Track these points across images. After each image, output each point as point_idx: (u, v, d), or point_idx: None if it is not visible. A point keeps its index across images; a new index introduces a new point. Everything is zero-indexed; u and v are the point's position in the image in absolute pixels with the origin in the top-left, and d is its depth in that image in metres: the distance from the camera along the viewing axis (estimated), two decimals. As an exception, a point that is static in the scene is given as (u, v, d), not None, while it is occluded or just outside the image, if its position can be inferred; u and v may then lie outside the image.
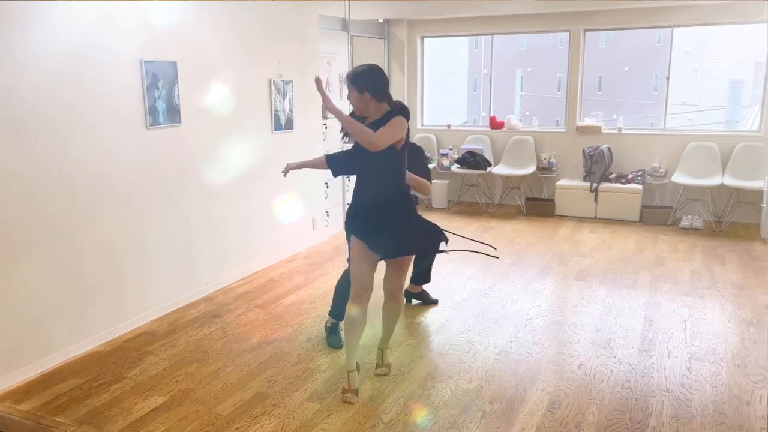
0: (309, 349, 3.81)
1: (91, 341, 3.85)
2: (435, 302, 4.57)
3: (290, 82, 5.54)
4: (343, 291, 3.70)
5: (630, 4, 6.79)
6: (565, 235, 6.53)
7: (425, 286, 4.61)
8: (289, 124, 5.60)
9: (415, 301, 4.59)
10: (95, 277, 3.85)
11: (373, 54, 8.16)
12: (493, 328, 4.11)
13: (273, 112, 5.37)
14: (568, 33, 7.43)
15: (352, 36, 7.28)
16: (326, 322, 3.99)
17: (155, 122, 4.16)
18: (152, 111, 4.12)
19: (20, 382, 3.42)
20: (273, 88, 5.33)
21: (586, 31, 7.41)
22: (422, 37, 8.23)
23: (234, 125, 4.94)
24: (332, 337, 3.88)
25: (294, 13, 5.59)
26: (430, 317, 4.31)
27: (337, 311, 3.87)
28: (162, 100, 4.19)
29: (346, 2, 7.10)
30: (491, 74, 9.25)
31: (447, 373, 3.50)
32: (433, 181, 7.89)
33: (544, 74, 29.53)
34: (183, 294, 4.57)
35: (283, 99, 5.49)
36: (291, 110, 5.59)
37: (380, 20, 7.98)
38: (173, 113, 4.30)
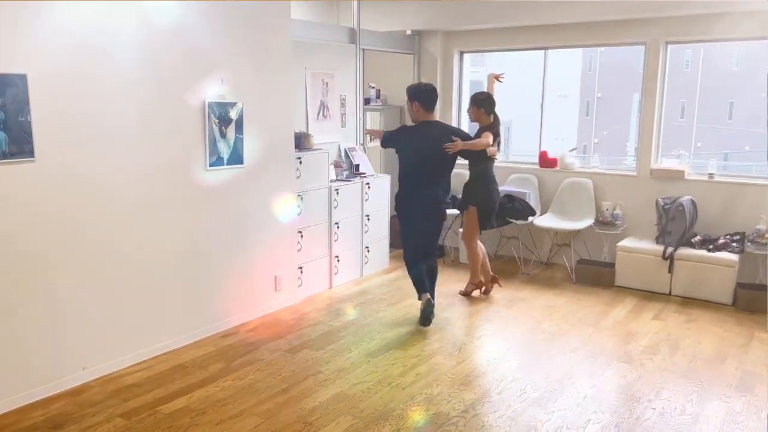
0: None
1: None
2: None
3: (236, 104, 4.29)
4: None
5: (730, 6, 4.95)
6: (617, 319, 4.74)
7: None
8: (236, 159, 4.35)
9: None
10: None
11: (398, 72, 6.77)
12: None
13: (207, 143, 4.14)
14: (643, 46, 5.66)
15: (363, 50, 5.96)
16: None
17: (-17, 156, 3.04)
18: (-21, 141, 3.02)
19: None
20: (208, 111, 4.11)
21: (668, 43, 5.59)
22: (461, 53, 6.74)
23: (136, 160, 3.74)
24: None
25: (251, 17, 4.36)
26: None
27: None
28: (-3, 127, 3.08)
29: (355, 8, 5.83)
30: (548, 95, 7.55)
31: None
32: (461, 231, 6.41)
33: (667, 98, 26.53)
34: (44, 383, 3.41)
35: (226, 127, 4.24)
36: (240, 140, 4.34)
37: (408, 32, 6.59)
38: (20, 143, 3.17)
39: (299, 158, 4.93)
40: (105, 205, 3.61)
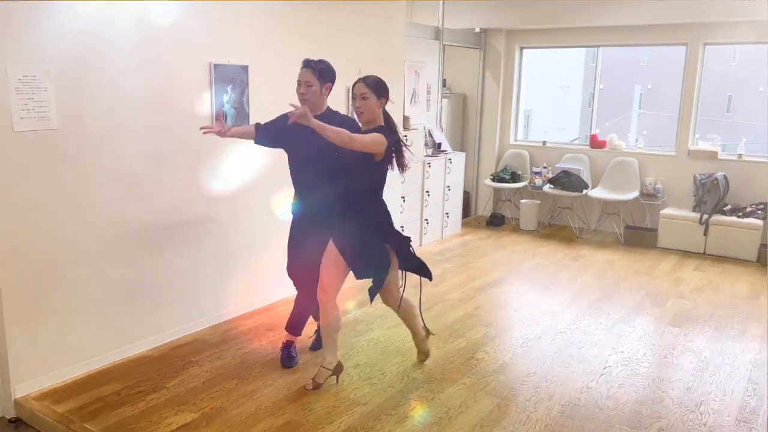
0: (354, 377, 3.54)
1: (143, 344, 3.80)
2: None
3: (370, 90, 5.32)
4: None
5: (760, 14, 6.00)
6: (665, 270, 5.84)
7: None
8: (367, 134, 5.39)
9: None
10: (154, 280, 3.81)
11: (466, 65, 7.82)
12: (564, 375, 3.65)
13: (350, 121, 5.18)
14: (685, 47, 6.71)
15: (444, 45, 6.98)
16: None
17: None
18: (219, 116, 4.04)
19: (65, 381, 3.40)
20: (350, 96, 5.14)
21: (706, 45, 6.65)
22: (521, 48, 7.77)
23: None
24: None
25: (379, 19, 5.39)
26: (495, 353, 3.91)
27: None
28: (230, 105, 4.11)
29: (440, 9, 6.84)
30: (595, 89, 8.60)
31: (501, 423, 3.11)
32: (522, 201, 7.45)
33: (666, 92, 27.55)
34: (245, 301, 4.47)
35: (362, 108, 5.28)
36: (370, 120, 5.38)
37: (477, 29, 7.62)
38: (242, 119, 4.21)
39: (405, 136, 5.96)
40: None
